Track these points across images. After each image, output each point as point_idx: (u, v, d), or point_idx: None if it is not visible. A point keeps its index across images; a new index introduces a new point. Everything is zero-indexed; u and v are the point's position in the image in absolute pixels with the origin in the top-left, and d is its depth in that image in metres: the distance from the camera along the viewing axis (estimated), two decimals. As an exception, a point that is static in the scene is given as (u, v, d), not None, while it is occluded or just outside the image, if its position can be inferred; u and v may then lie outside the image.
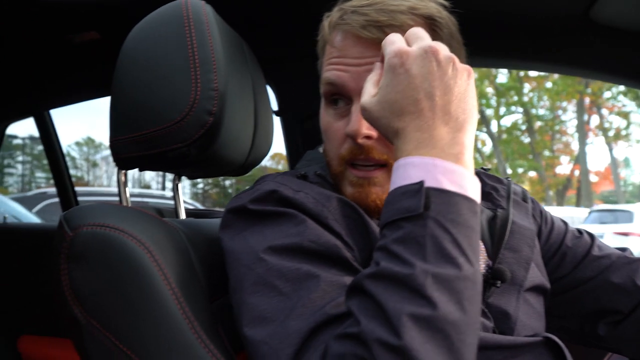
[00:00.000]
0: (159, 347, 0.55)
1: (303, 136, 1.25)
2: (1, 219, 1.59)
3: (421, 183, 0.43)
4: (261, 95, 0.80)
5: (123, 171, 0.73)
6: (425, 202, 0.42)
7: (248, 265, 0.55)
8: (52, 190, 7.60)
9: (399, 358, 0.38)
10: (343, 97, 0.63)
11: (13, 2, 0.97)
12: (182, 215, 0.86)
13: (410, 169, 0.45)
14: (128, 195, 0.75)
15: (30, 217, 4.97)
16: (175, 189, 0.90)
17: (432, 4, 0.62)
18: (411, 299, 0.40)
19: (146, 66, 0.63)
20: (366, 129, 0.58)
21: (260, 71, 0.82)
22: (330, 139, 0.66)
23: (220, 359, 0.55)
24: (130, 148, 0.64)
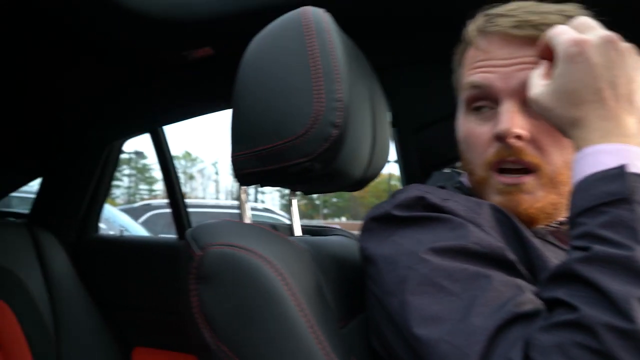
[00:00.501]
0: None
1: (418, 148, 1.19)
2: (118, 232, 1.65)
3: (622, 167, 0.43)
4: (378, 105, 0.76)
5: (244, 187, 0.71)
6: (630, 186, 0.42)
7: (409, 267, 0.52)
8: (156, 202, 8.11)
9: (631, 342, 0.37)
10: (488, 99, 0.62)
11: (129, 23, 0.99)
12: (298, 232, 0.82)
13: (602, 156, 0.45)
14: (249, 213, 0.72)
15: (136, 227, 5.31)
16: (290, 205, 0.87)
17: (577, 9, 0.61)
18: (636, 281, 0.39)
19: (267, 78, 0.61)
20: (518, 128, 0.57)
21: (376, 80, 0.78)
22: (473, 145, 0.63)
23: None
24: (252, 163, 0.62)
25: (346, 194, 44.83)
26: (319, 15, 0.62)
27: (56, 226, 1.62)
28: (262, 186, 0.72)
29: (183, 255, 0.59)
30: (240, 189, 0.72)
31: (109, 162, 1.67)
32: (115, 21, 0.99)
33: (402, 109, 1.18)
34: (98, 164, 1.62)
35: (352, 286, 0.69)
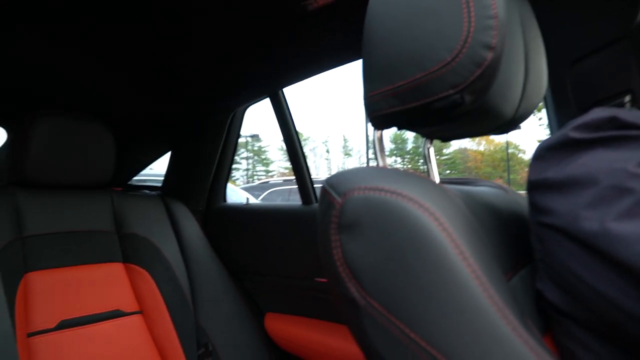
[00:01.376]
0: (464, 339, 0.41)
1: (572, 83, 1.01)
2: (245, 200, 1.66)
3: None
4: (530, 30, 0.63)
5: (379, 131, 0.64)
6: None
7: (616, 186, 0.42)
8: (273, 180, 8.47)
9: None
10: None
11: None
12: (437, 181, 0.72)
13: None
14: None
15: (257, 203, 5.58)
16: (427, 154, 0.77)
17: None
18: None
19: (402, 3, 0.52)
20: None
21: (528, 6, 0.65)
22: None
23: (535, 348, 0.41)
24: (389, 102, 0.55)
25: (459, 165, 43.32)
26: None
27: (186, 196, 1.67)
28: (399, 129, 0.63)
29: (321, 204, 0.52)
30: (375, 133, 0.64)
31: (233, 131, 1.68)
32: None
33: (555, 38, 1.00)
34: (222, 133, 1.64)
35: (510, 238, 0.59)
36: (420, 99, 0.52)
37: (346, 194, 0.48)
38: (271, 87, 1.43)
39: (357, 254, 0.47)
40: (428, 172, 0.75)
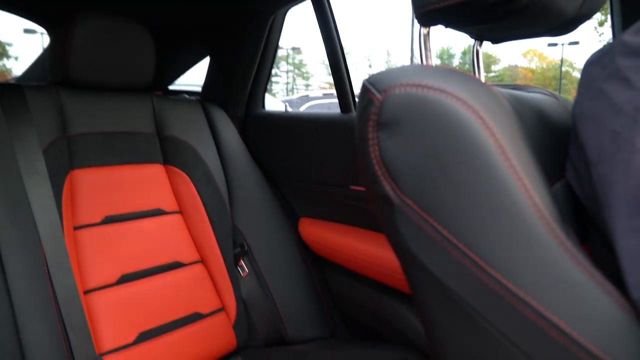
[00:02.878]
0: (498, 237, 0.40)
1: None
2: (283, 108, 1.63)
3: None
4: None
5: (426, 29, 0.60)
6: None
7: None
8: (313, 94, 8.38)
9: None
10: None
11: None
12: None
13: None
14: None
15: (296, 111, 5.62)
16: (475, 55, 0.73)
17: None
18: None
19: None
20: None
21: None
22: None
23: (577, 256, 0.39)
24: None
25: (508, 83, 42.24)
26: None
27: (225, 102, 1.66)
28: (446, 27, 0.59)
29: (361, 101, 0.50)
30: (422, 31, 0.60)
31: (273, 35, 1.63)
32: None
33: None
34: (262, 37, 1.59)
35: (558, 145, 0.57)
36: None
37: (387, 91, 0.46)
38: None
39: (394, 151, 0.46)
40: (476, 74, 0.72)
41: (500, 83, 0.79)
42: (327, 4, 1.40)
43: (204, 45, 1.78)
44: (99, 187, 1.26)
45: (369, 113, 0.48)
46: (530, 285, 0.38)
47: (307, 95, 8.48)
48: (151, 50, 1.37)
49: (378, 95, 0.47)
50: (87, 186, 1.25)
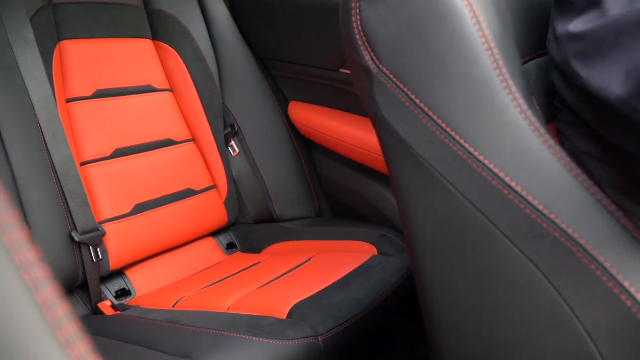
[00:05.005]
0: (465, 106, 0.44)
1: None
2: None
3: None
4: None
5: None
6: None
7: None
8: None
9: None
10: None
11: None
12: None
13: None
14: None
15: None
16: None
17: None
18: None
19: None
20: None
21: None
22: None
23: (536, 125, 0.43)
24: None
25: None
26: None
27: None
28: None
29: None
30: None
31: None
32: None
33: None
34: None
35: (538, 23, 0.58)
36: None
37: None
38: None
39: (375, 21, 0.47)
40: None
41: None
42: None
43: None
44: (88, 60, 1.25)
45: None
46: (491, 149, 0.42)
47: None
48: None
49: None
50: (77, 58, 1.23)
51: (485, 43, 0.43)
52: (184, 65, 1.40)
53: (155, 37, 1.40)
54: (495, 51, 0.44)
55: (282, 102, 1.57)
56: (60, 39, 1.21)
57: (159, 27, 1.39)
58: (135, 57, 1.35)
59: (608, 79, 0.40)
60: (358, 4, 0.48)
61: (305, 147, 1.57)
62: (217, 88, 1.42)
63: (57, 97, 1.12)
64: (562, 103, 0.51)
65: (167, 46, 1.40)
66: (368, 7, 0.48)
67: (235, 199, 1.44)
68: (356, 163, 1.39)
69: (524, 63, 0.55)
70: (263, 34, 1.56)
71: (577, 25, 0.44)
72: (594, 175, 0.48)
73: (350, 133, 1.34)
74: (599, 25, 0.41)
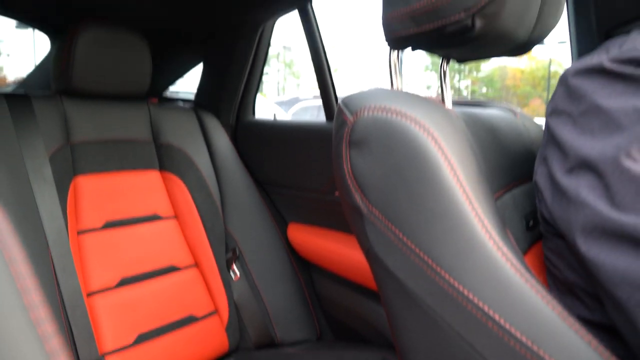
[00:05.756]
0: (447, 244, 0.49)
1: (596, 12, 0.99)
2: (275, 110, 1.71)
3: None
4: None
5: (395, 51, 0.67)
6: None
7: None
8: (303, 95, 8.42)
9: None
10: None
11: None
12: (449, 103, 0.76)
13: None
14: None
15: (286, 117, 5.64)
16: (442, 74, 0.80)
17: None
18: None
19: None
20: None
21: None
22: None
23: (512, 260, 0.47)
24: (405, 24, 0.58)
25: (497, 84, 41.74)
26: None
27: (217, 109, 1.73)
28: (413, 49, 0.66)
29: (336, 121, 0.58)
30: (391, 53, 0.67)
31: (262, 44, 1.70)
32: None
33: None
34: (252, 46, 1.66)
35: (508, 158, 0.65)
36: (434, 22, 0.55)
37: (357, 113, 0.54)
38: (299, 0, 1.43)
39: (363, 167, 0.54)
40: (442, 92, 0.79)
41: (463, 100, 0.87)
42: (312, 15, 1.47)
43: (197, 53, 1.84)
44: (100, 193, 1.33)
45: (342, 132, 0.56)
46: (473, 283, 0.47)
47: (297, 97, 8.51)
48: (148, 59, 1.44)
49: (350, 117, 0.55)
50: (89, 192, 1.31)
51: (460, 187, 0.49)
52: (188, 192, 1.47)
53: (162, 167, 1.49)
54: (469, 192, 0.49)
55: (281, 224, 1.63)
56: (75, 173, 1.30)
57: (166, 159, 1.49)
58: (143, 188, 1.43)
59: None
60: (348, 152, 0.55)
61: (305, 268, 1.61)
62: (220, 213, 1.49)
63: (69, 230, 1.18)
64: (548, 230, 0.56)
65: (173, 176, 1.48)
66: (357, 155, 0.54)
67: (236, 324, 1.44)
68: (355, 283, 1.41)
69: (500, 196, 0.61)
70: (262, 160, 1.67)
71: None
72: (588, 308, 0.51)
73: (347, 253, 1.37)
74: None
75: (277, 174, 1.62)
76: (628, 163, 0.41)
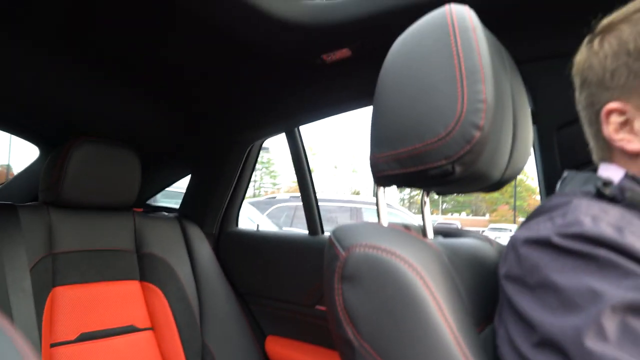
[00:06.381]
0: None
1: (560, 146, 1.10)
2: (255, 227, 1.75)
3: None
4: (520, 101, 0.72)
5: (382, 188, 0.72)
6: None
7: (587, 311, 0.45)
8: (280, 196, 8.52)
9: None
10: None
11: (268, 27, 1.04)
12: (431, 234, 0.82)
13: None
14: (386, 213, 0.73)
15: (263, 219, 5.65)
16: (422, 206, 0.86)
17: None
18: None
19: (409, 80, 0.61)
20: None
21: (518, 74, 0.75)
22: None
23: None
24: (391, 166, 0.63)
25: (468, 191, 43.25)
26: (464, 13, 0.60)
27: (201, 219, 1.77)
28: (398, 187, 0.72)
29: (327, 254, 0.62)
30: (377, 190, 0.73)
31: (249, 162, 1.78)
32: (254, 25, 1.04)
33: (544, 105, 1.10)
34: (239, 164, 1.74)
35: (487, 291, 0.68)
36: (417, 166, 0.60)
37: (349, 249, 0.58)
38: (287, 124, 1.53)
39: (355, 302, 0.57)
40: (423, 224, 0.84)
41: (443, 227, 0.92)
42: (299, 138, 1.57)
43: (185, 166, 1.91)
44: (77, 303, 1.31)
45: (334, 266, 0.59)
46: None
47: (275, 197, 8.60)
48: (138, 173, 1.49)
49: (342, 252, 0.59)
50: (66, 303, 1.29)
51: (445, 322, 0.52)
52: (167, 303, 1.46)
53: (142, 277, 1.49)
54: (454, 327, 0.53)
55: (260, 337, 1.61)
56: (54, 284, 1.29)
57: (147, 269, 1.49)
58: (121, 299, 1.42)
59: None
60: (340, 286, 0.58)
61: (283, 383, 1.56)
62: (198, 325, 1.47)
63: (42, 342, 1.15)
64: None
65: (153, 286, 1.48)
66: (349, 289, 0.57)
67: None
68: (334, 401, 1.38)
69: (482, 330, 0.64)
70: (243, 271, 1.68)
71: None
72: None
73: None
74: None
75: (258, 284, 1.63)
76: (590, 344, 0.43)
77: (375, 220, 0.71)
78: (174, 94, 1.44)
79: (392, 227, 0.66)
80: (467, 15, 0.59)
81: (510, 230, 18.89)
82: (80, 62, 1.22)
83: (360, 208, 6.76)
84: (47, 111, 1.51)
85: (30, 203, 1.38)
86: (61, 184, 1.33)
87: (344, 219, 6.80)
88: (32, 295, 1.16)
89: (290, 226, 6.59)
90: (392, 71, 0.64)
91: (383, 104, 0.64)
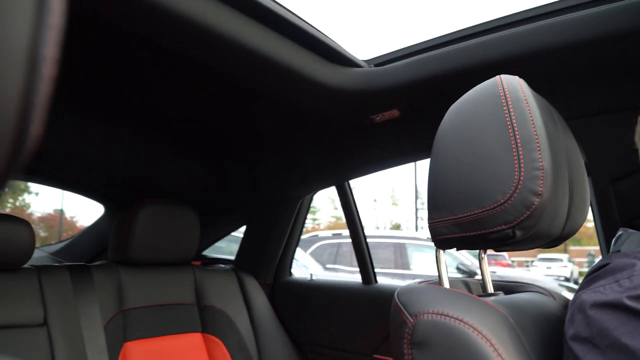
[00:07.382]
0: None
1: (617, 198, 1.11)
2: (309, 277, 1.80)
3: None
4: (574, 158, 0.73)
5: (442, 251, 0.74)
6: None
7: None
8: (323, 233, 8.54)
9: None
10: None
11: (323, 95, 1.11)
12: (490, 289, 0.84)
13: None
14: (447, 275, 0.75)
15: (306, 258, 5.66)
16: (481, 261, 0.88)
17: None
18: None
19: (465, 148, 0.63)
20: None
21: (570, 133, 0.76)
22: None
23: None
24: (451, 230, 0.65)
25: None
26: (514, 84, 0.63)
27: (256, 270, 1.83)
28: (458, 249, 0.74)
29: (394, 318, 0.65)
30: (438, 253, 0.75)
31: (301, 214, 1.85)
32: (308, 94, 1.11)
33: (596, 157, 1.12)
34: (292, 215, 1.81)
35: (553, 348, 0.69)
36: (478, 230, 0.63)
37: (417, 316, 0.61)
38: (338, 179, 1.60)
39: None
40: (483, 280, 0.87)
41: (502, 282, 0.93)
42: (349, 191, 1.63)
43: (240, 220, 2.00)
44: (146, 357, 1.38)
45: (403, 332, 0.62)
46: None
47: (317, 235, 8.62)
48: (197, 229, 1.58)
49: (410, 319, 0.62)
50: (137, 358, 1.37)
51: None
52: (228, 354, 1.51)
53: (204, 329, 1.56)
54: None
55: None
56: (125, 340, 1.36)
57: (208, 321, 1.56)
58: (186, 351, 1.48)
59: None
60: (410, 351, 0.61)
61: None
62: None
63: None
64: None
65: (214, 337, 1.54)
66: (419, 354, 0.60)
67: None
68: None
69: None
70: (299, 320, 1.72)
71: None
72: None
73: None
74: None
75: (314, 333, 1.66)
76: None
77: (422, 256, 0.74)
78: (232, 158, 1.54)
79: (459, 292, 0.67)
80: (517, 85, 0.63)
81: (562, 260, 17.87)
82: (151, 135, 1.33)
83: (404, 244, 6.71)
84: (115, 176, 1.64)
85: (100, 262, 1.48)
86: (130, 243, 1.43)
87: (387, 254, 6.76)
88: (106, 351, 1.24)
89: (334, 264, 6.59)
90: (448, 140, 0.67)
91: (440, 171, 0.66)
